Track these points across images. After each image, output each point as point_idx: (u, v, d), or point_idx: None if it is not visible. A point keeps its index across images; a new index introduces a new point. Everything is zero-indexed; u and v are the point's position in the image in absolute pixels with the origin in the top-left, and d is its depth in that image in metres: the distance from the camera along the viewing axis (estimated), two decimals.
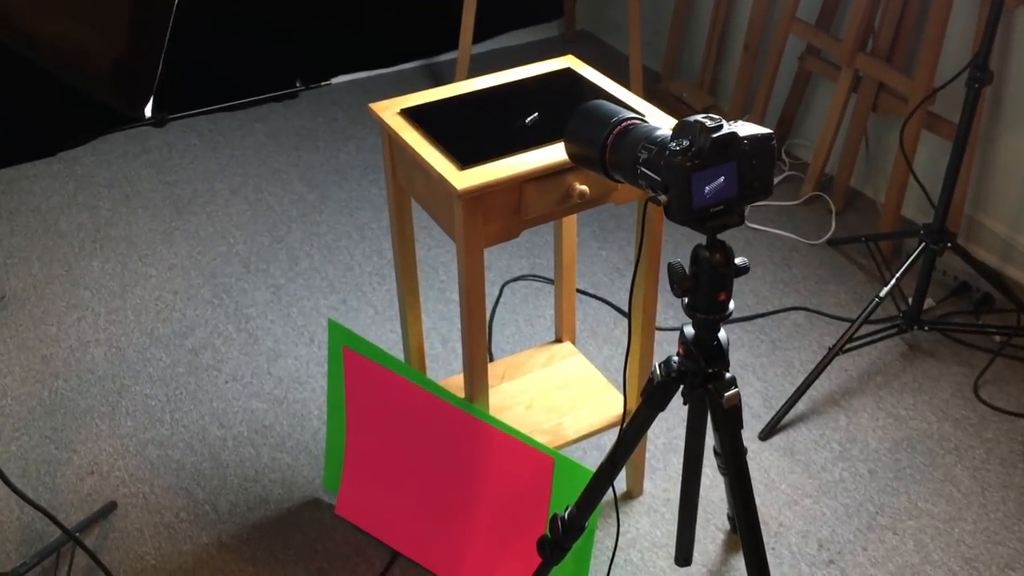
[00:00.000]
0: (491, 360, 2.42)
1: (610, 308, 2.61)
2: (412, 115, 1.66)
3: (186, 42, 3.33)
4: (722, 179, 1.26)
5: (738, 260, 1.34)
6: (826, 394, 2.32)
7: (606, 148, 1.37)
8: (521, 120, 1.63)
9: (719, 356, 1.38)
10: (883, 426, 2.23)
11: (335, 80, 3.66)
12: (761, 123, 3.11)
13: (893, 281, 2.28)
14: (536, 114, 1.65)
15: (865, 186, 3.02)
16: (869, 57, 2.69)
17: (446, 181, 1.50)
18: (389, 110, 1.68)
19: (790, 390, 2.30)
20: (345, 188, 3.10)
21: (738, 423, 1.38)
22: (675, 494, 2.06)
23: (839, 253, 2.80)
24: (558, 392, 2.02)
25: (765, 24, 3.10)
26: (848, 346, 2.29)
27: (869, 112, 2.77)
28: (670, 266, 1.33)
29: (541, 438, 1.91)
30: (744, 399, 2.30)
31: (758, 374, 2.38)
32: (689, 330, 1.40)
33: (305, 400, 2.32)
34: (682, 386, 1.42)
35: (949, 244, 2.26)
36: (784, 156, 3.18)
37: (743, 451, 1.40)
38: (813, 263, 2.76)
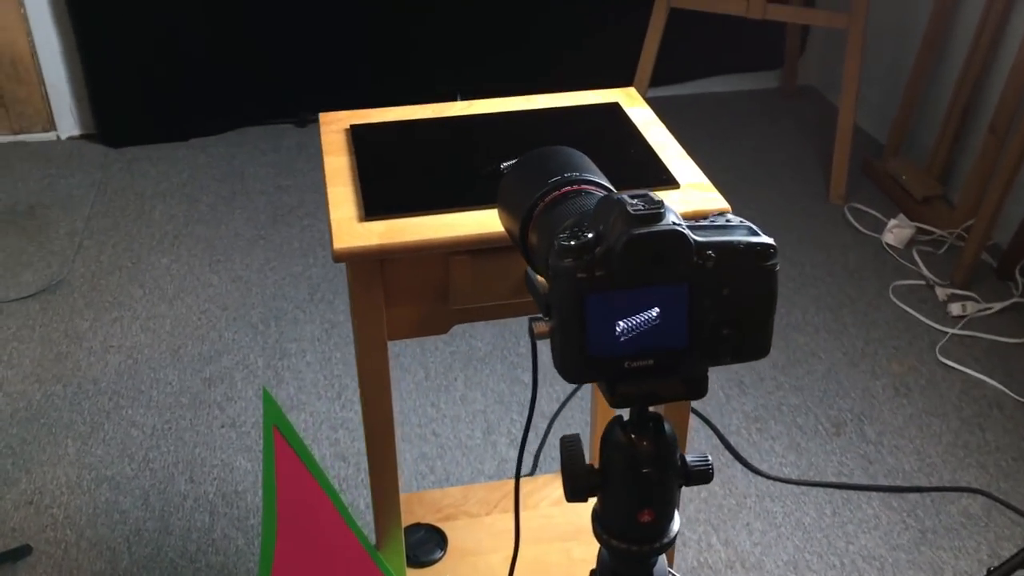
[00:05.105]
0: (539, 454, 1.88)
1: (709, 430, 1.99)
2: (360, 135, 1.19)
3: (350, 40, 3.03)
4: (654, 313, 0.69)
5: (691, 458, 0.75)
6: None
7: (530, 222, 0.84)
8: (495, 164, 1.11)
9: None
10: None
11: None
12: (989, 229, 2.35)
13: None
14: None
15: None
16: None
17: (332, 233, 1.01)
18: (337, 124, 1.22)
19: None
20: None
21: None
22: None
23: None
24: (546, 548, 1.46)
25: (1021, 101, 2.34)
26: None
27: None
28: (562, 443, 0.77)
29: None
30: None
31: None
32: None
33: None
34: None
35: None
36: (1018, 276, 2.40)
37: None
38: (1017, 430, 1.99)
